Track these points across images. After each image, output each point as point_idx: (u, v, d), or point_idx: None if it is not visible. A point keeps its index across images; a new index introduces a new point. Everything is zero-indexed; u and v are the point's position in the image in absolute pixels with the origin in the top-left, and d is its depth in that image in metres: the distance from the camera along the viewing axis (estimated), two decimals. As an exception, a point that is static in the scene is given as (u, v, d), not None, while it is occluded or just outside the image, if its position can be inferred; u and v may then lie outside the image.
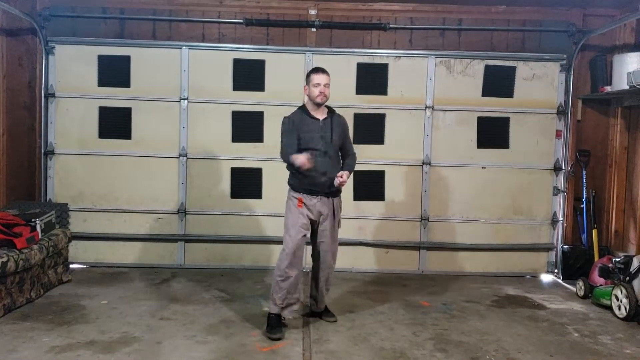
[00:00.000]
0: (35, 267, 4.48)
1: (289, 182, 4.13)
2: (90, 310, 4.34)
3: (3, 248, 4.21)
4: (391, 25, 5.74)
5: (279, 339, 3.82)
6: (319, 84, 4.00)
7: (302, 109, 4.11)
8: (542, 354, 3.73)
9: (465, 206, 5.85)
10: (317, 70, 4.09)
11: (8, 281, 4.14)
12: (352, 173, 4.26)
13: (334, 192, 4.08)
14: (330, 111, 4.15)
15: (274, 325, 3.91)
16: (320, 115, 4.08)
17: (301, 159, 3.80)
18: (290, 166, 4.00)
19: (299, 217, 3.99)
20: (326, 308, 4.35)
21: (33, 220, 4.69)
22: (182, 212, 5.77)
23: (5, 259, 4.04)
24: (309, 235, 4.11)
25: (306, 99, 4.11)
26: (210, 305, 4.57)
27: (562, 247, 5.80)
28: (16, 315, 4.18)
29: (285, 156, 4.00)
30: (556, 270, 5.86)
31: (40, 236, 4.68)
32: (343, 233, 5.67)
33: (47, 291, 4.75)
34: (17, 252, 4.22)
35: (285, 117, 4.14)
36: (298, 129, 4.01)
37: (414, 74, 5.78)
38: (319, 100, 4.01)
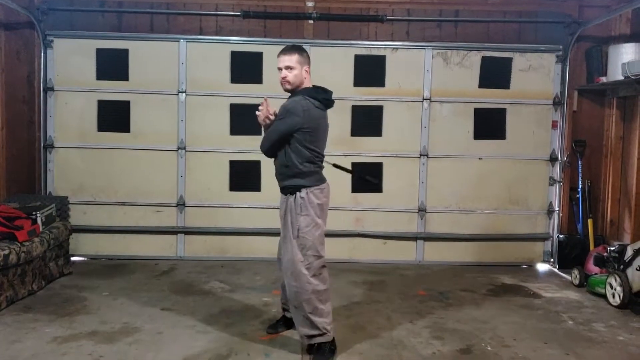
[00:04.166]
0: (36, 260, 4.53)
1: None
2: (92, 302, 4.40)
3: (5, 241, 4.25)
4: (388, 17, 5.75)
5: (274, 333, 3.79)
6: (280, 69, 3.38)
7: None
8: (537, 342, 3.79)
9: (462, 197, 5.90)
10: (282, 50, 3.40)
11: (10, 273, 4.19)
12: (345, 168, 4.01)
13: (285, 189, 3.47)
14: (293, 97, 3.41)
15: (275, 322, 3.89)
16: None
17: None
18: None
19: None
20: (311, 348, 3.43)
21: (34, 213, 4.73)
22: (181, 204, 5.81)
23: (7, 252, 4.09)
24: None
25: None
26: (210, 296, 4.63)
27: (557, 236, 5.86)
28: (18, 307, 4.23)
29: None
30: (552, 260, 5.92)
31: (41, 229, 4.73)
32: (341, 224, 5.78)
33: (49, 283, 4.80)
34: (19, 244, 4.26)
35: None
36: None
37: (412, 66, 5.80)
38: (282, 87, 3.43)
